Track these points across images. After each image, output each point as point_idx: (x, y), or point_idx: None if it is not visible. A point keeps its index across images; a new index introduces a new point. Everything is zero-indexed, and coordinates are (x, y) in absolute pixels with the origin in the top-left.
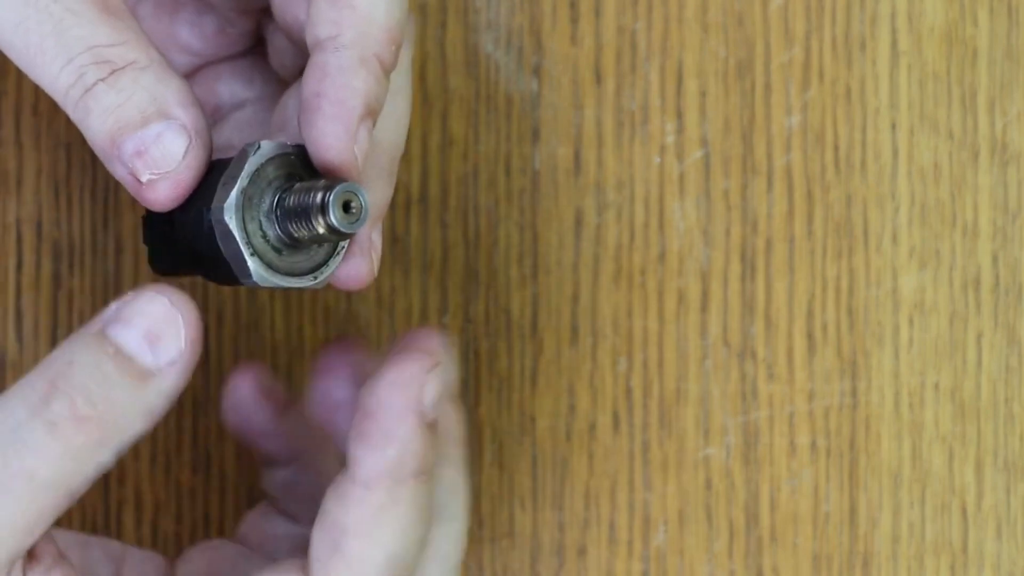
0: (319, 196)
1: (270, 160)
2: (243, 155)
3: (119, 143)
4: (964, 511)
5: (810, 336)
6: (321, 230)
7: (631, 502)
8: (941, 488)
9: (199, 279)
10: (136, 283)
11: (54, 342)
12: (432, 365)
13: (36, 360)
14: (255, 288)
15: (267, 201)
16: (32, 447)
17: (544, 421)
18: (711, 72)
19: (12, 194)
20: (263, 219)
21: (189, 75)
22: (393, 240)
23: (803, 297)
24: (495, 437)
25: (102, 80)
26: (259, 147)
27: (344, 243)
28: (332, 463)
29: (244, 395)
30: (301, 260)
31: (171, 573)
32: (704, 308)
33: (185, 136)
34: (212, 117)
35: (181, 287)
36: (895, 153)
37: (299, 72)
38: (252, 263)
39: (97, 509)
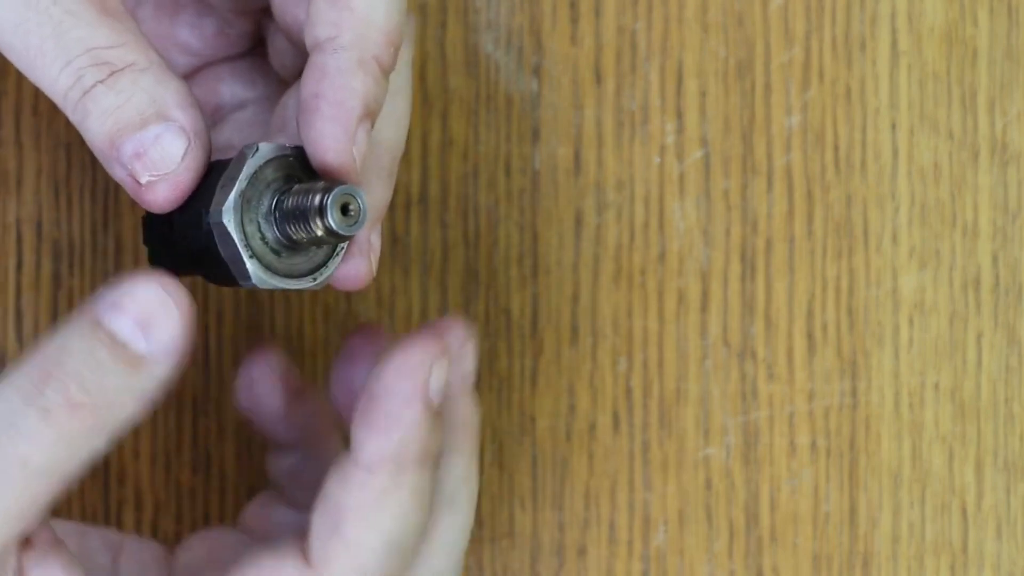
0: (317, 198)
1: (268, 162)
2: (241, 157)
3: (118, 145)
4: (964, 511)
5: (810, 336)
6: (319, 232)
7: (631, 502)
8: (941, 488)
9: (199, 279)
10: None
11: None
12: (440, 352)
13: None
14: (254, 289)
15: (266, 203)
16: (26, 434)
17: (544, 421)
18: (711, 72)
19: (12, 194)
20: (262, 221)
21: (189, 76)
22: (393, 240)
23: (803, 297)
24: (495, 437)
25: (101, 82)
26: (257, 149)
27: (343, 244)
28: (339, 452)
29: (259, 376)
30: (300, 261)
31: (169, 561)
32: (704, 308)
33: (184, 138)
34: (212, 118)
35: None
36: (895, 153)
37: (300, 73)
38: (251, 265)
39: (97, 509)
